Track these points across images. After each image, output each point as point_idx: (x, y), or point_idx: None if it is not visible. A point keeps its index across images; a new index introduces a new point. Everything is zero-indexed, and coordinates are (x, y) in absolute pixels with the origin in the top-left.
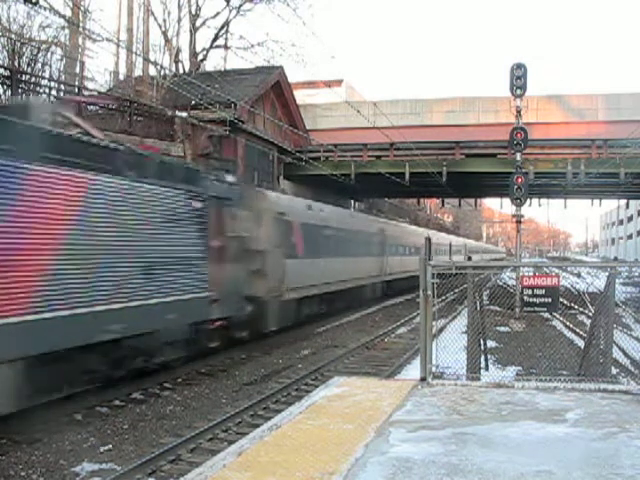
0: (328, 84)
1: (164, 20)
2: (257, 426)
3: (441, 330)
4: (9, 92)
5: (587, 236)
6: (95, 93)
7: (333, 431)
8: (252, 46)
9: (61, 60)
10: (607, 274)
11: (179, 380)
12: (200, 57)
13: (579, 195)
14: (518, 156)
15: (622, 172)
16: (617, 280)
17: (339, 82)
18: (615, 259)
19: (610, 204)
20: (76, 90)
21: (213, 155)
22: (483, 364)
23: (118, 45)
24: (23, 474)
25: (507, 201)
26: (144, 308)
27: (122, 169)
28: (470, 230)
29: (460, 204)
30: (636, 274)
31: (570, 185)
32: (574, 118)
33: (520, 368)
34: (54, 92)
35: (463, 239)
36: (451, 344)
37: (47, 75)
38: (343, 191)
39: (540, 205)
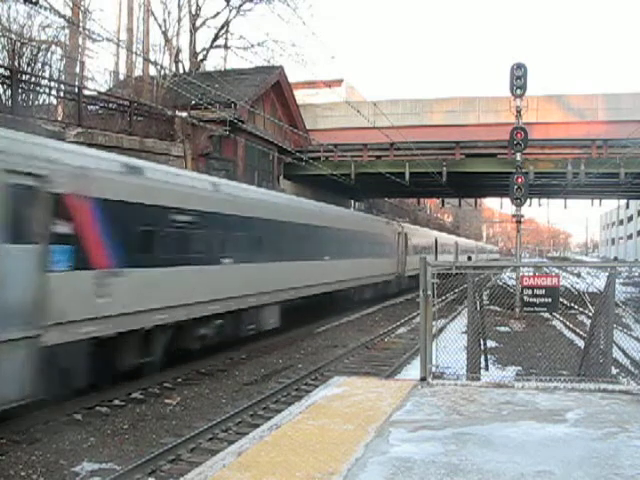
0: (328, 84)
1: (164, 20)
2: (257, 426)
3: (441, 330)
4: (9, 92)
5: (587, 236)
6: (95, 93)
7: (333, 431)
8: (252, 46)
9: (61, 60)
10: (607, 274)
11: (179, 380)
12: (200, 57)
13: (579, 195)
14: (518, 156)
15: (622, 172)
16: (617, 280)
17: (339, 82)
18: (615, 259)
19: (610, 204)
20: (76, 90)
21: (213, 155)
22: (483, 364)
23: (118, 45)
24: (23, 474)
25: (507, 201)
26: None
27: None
28: (470, 230)
29: (460, 204)
30: (636, 274)
31: (570, 185)
32: (574, 118)
33: (520, 368)
34: (54, 92)
35: (474, 241)
36: (451, 344)
37: (47, 75)
38: (343, 191)
39: (540, 205)
